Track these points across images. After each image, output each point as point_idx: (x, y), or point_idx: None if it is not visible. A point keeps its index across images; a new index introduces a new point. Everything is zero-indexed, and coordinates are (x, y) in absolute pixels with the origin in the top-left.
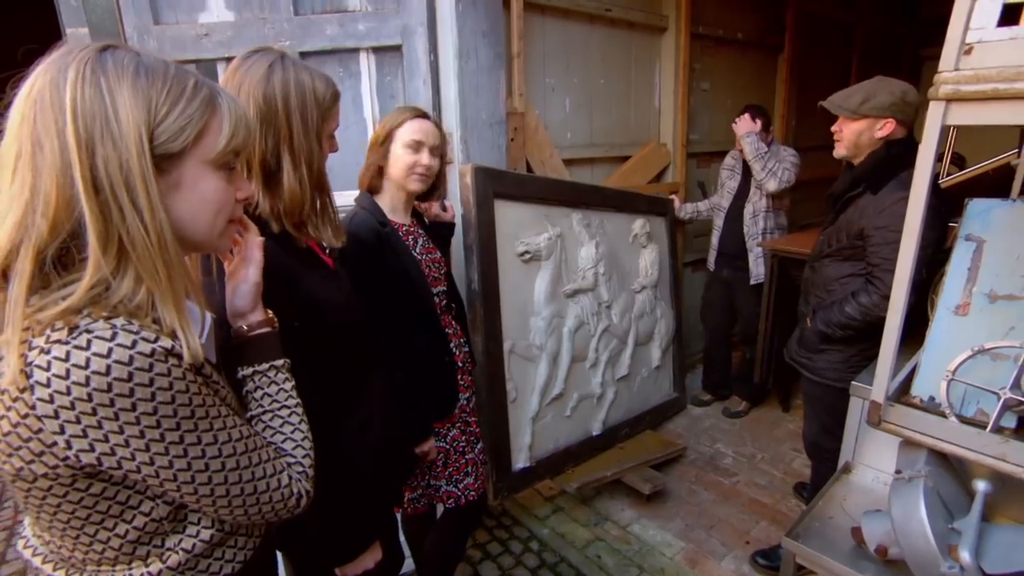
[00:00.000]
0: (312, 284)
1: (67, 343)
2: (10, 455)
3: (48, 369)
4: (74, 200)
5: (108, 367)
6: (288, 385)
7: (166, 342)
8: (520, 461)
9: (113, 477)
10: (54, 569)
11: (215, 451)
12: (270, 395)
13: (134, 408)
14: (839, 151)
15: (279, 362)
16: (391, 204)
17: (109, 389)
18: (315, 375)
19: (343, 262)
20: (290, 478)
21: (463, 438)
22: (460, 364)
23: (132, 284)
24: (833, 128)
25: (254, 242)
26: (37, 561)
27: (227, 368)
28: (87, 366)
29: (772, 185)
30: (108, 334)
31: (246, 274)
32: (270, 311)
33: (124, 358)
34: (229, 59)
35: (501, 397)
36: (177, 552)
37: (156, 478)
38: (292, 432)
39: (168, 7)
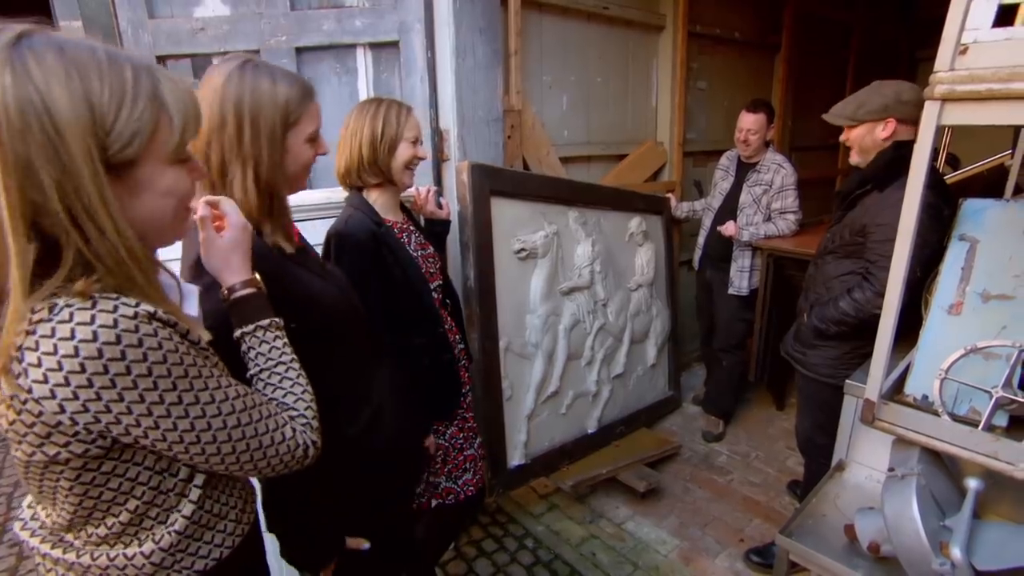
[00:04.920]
0: (307, 281)
1: (50, 320)
2: (19, 443)
3: (36, 349)
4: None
5: (95, 333)
6: (279, 343)
7: (148, 307)
8: (515, 458)
9: (123, 453)
10: (51, 548)
11: (215, 409)
12: (263, 354)
13: (129, 371)
14: (853, 158)
15: (265, 322)
16: (382, 202)
17: (100, 355)
18: (316, 374)
19: (340, 264)
20: (294, 430)
21: (461, 435)
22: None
23: (104, 286)
24: (841, 138)
25: (229, 204)
26: (35, 541)
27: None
28: (73, 336)
29: (793, 230)
30: (88, 304)
31: (220, 235)
32: (257, 274)
33: (109, 322)
34: (225, 54)
35: (497, 395)
36: (170, 533)
37: (164, 441)
38: (291, 387)
39: (163, 1)
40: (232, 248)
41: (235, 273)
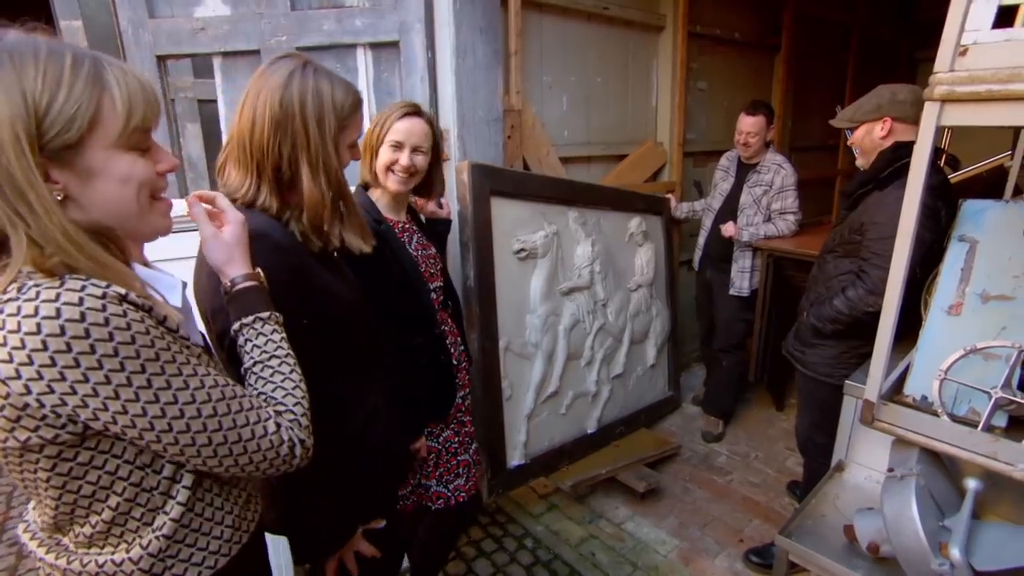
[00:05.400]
0: (327, 280)
1: (17, 299)
2: None
3: (3, 328)
4: None
5: (58, 310)
6: (276, 336)
7: (119, 288)
8: (515, 459)
9: (100, 444)
10: (46, 552)
11: (188, 396)
12: (258, 346)
13: (93, 350)
14: (858, 161)
15: (264, 314)
16: (385, 201)
17: (63, 332)
18: (326, 371)
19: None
20: (278, 425)
21: (456, 439)
22: (456, 362)
23: (56, 264)
24: (848, 142)
25: (223, 199)
26: (33, 545)
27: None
28: (37, 313)
29: (793, 231)
30: (56, 283)
31: (221, 230)
32: (259, 269)
33: (74, 299)
34: (225, 54)
35: (496, 395)
36: (157, 538)
37: (134, 428)
38: (282, 381)
39: (163, 1)
40: (235, 242)
41: (237, 267)
